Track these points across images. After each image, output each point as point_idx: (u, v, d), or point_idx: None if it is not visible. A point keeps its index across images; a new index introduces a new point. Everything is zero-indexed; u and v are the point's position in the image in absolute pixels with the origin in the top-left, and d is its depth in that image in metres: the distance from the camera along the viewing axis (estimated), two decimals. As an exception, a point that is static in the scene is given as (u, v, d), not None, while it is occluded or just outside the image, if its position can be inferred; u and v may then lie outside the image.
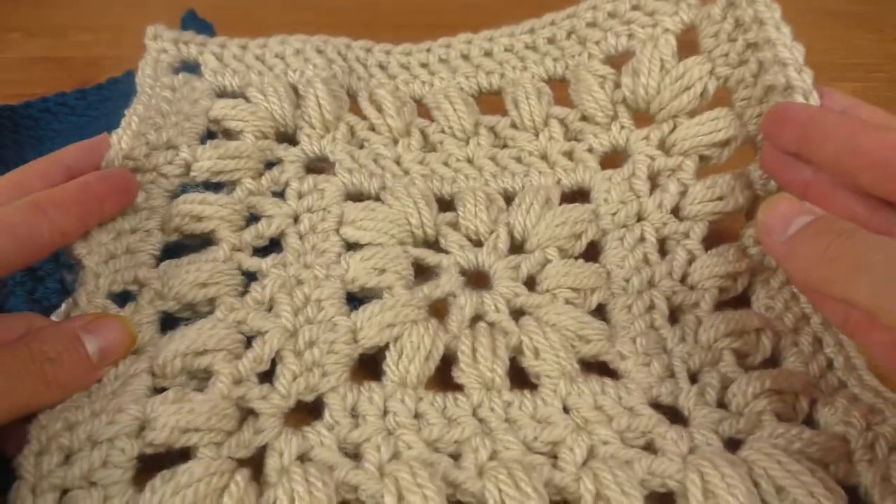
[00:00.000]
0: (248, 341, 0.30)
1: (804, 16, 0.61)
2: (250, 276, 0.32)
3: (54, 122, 0.47)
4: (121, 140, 0.33)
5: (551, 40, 0.40)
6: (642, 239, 0.34)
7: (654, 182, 0.35)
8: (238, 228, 0.33)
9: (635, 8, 0.38)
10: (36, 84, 0.51)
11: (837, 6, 0.64)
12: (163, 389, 0.28)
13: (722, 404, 0.29)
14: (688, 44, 0.37)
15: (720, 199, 0.33)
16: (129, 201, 0.32)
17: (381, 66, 0.41)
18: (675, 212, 0.34)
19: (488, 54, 0.41)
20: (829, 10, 0.63)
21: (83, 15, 0.60)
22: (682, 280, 0.32)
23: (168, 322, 0.31)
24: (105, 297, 0.30)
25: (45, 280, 0.33)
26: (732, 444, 0.27)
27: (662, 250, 0.34)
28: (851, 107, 0.31)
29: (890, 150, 0.26)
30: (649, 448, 0.28)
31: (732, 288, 0.32)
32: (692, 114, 0.36)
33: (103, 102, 0.48)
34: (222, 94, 0.39)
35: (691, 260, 0.33)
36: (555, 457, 0.27)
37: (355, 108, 0.39)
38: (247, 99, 0.38)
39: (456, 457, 0.27)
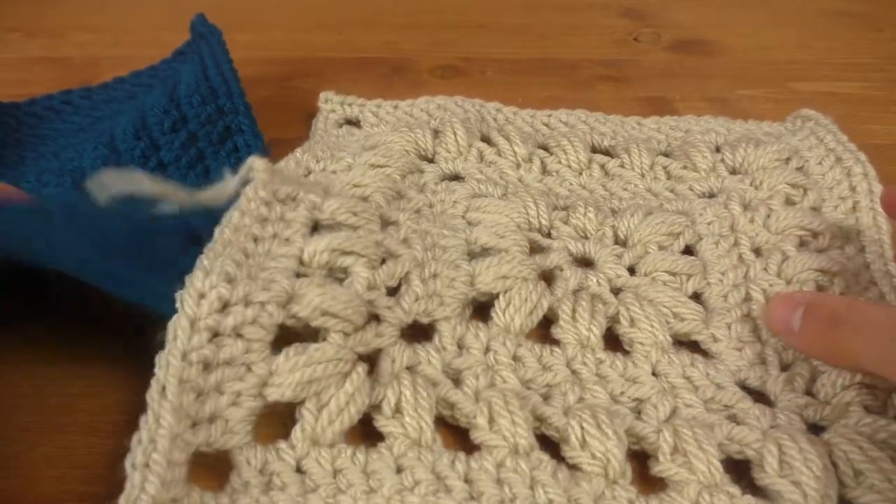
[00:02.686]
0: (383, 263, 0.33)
1: (804, 16, 0.63)
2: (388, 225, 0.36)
3: (57, 121, 0.46)
4: (303, 154, 0.41)
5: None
6: (737, 244, 0.36)
7: (746, 208, 0.38)
8: (388, 200, 0.38)
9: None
10: (36, 84, 0.51)
11: (837, 6, 0.63)
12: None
13: (810, 394, 0.30)
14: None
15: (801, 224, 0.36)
16: None
17: (509, 121, 0.46)
18: (767, 227, 0.36)
19: (603, 122, 0.46)
20: (829, 10, 0.62)
21: (83, 15, 0.60)
22: (778, 275, 0.34)
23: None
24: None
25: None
26: (816, 430, 0.28)
27: (756, 252, 0.35)
28: None
29: None
30: (731, 419, 0.29)
31: (829, 287, 0.33)
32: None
33: (108, 103, 0.47)
34: None
35: (785, 259, 0.34)
36: (638, 412, 0.29)
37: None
38: None
39: (546, 398, 0.30)
